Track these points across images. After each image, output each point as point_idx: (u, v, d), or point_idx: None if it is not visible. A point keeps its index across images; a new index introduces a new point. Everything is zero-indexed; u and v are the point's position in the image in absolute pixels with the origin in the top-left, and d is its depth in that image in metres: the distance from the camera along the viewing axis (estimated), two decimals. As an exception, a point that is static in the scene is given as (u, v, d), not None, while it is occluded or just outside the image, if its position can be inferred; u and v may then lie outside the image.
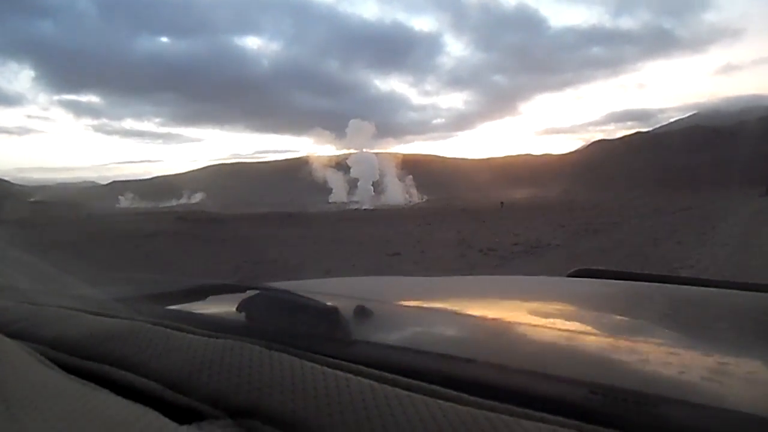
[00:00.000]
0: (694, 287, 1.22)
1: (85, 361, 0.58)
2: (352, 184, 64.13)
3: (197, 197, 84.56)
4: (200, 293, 1.07)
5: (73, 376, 0.52)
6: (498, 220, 19.47)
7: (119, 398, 0.47)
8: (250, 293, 0.81)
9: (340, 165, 67.69)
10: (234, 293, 0.91)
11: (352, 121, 67.12)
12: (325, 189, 67.23)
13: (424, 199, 61.47)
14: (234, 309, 0.76)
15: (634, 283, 1.29)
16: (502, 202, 30.58)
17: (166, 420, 0.42)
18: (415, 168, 79.62)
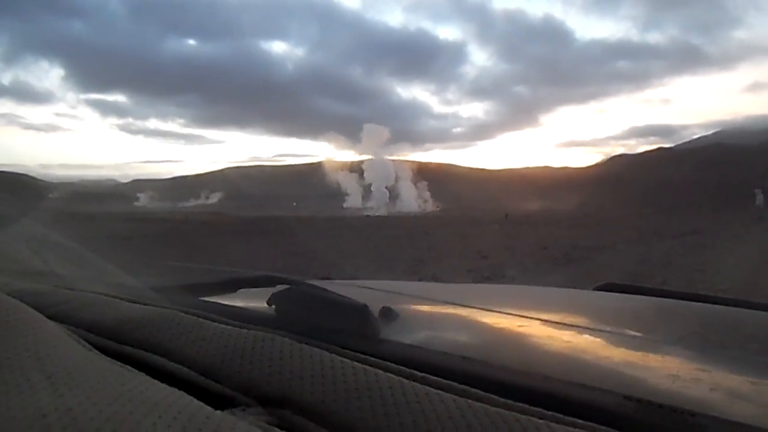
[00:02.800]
0: (725, 307, 1.18)
1: (121, 345, 0.60)
2: (368, 190, 64.23)
3: (215, 198, 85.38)
4: (232, 285, 1.10)
5: (108, 358, 0.53)
6: (484, 236, 18.82)
7: (156, 381, 0.48)
8: (280, 287, 0.82)
9: (357, 170, 67.79)
10: (265, 287, 0.94)
11: (366, 125, 67.10)
12: (341, 194, 67.46)
13: (438, 208, 61.28)
14: (265, 302, 0.78)
15: (663, 299, 1.26)
16: (506, 215, 30.27)
17: (201, 404, 0.42)
18: (432, 176, 79.51)
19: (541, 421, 0.42)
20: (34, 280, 0.99)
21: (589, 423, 0.43)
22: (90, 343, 0.57)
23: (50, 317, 0.60)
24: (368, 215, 43.30)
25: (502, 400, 0.47)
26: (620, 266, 10.74)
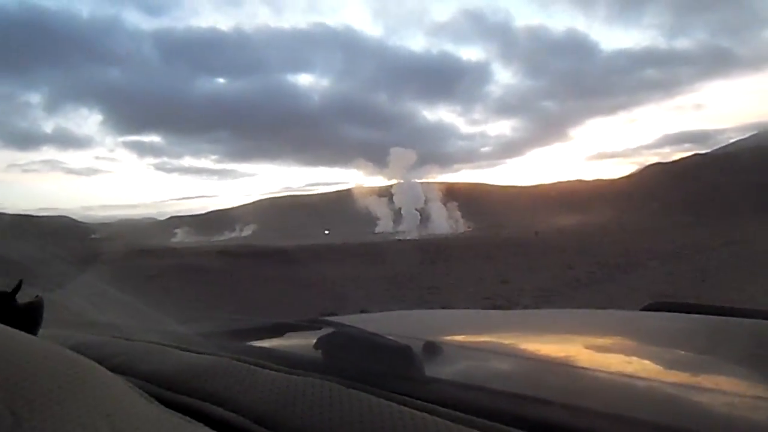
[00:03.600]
0: None
1: (179, 396, 0.62)
2: (399, 214, 64.30)
3: (249, 230, 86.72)
4: (278, 330, 1.12)
5: (168, 409, 0.55)
6: (509, 257, 18.27)
7: (213, 431, 0.50)
8: (325, 330, 0.84)
9: (387, 195, 68.00)
10: (310, 330, 0.95)
11: (393, 149, 67.06)
12: (372, 219, 67.68)
13: (470, 228, 60.84)
14: (311, 346, 0.80)
15: (715, 317, 1.23)
16: (536, 232, 29.84)
17: None
18: (463, 196, 79.09)
19: None
20: (93, 331, 1.03)
21: None
22: (149, 394, 0.59)
23: (111, 369, 0.62)
24: (399, 239, 43.33)
25: None
26: (647, 286, 10.14)
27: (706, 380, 0.77)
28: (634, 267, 13.56)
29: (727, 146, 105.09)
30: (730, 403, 0.65)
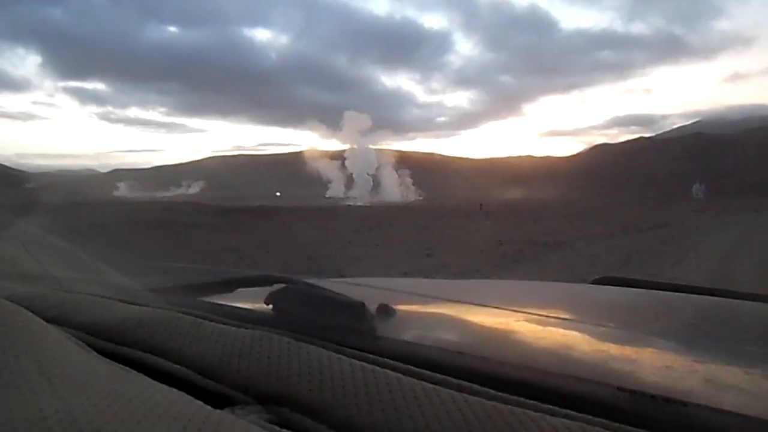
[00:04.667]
0: (721, 298, 1.19)
1: (119, 347, 0.61)
2: (351, 179, 64.08)
3: (196, 187, 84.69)
4: (230, 285, 1.10)
5: (107, 360, 0.54)
6: (445, 229, 18.40)
7: (154, 382, 0.48)
8: (277, 286, 0.82)
9: (340, 159, 67.54)
10: (262, 286, 0.93)
11: (347, 113, 65.94)
12: (324, 183, 67.25)
13: (421, 197, 61.38)
14: (262, 301, 0.78)
15: (660, 292, 1.27)
16: (480, 205, 30.34)
17: (201, 404, 0.43)
18: (416, 165, 79.61)
19: (536, 413, 0.42)
20: (31, 283, 1.00)
21: (583, 415, 0.44)
22: (88, 345, 0.58)
23: (48, 320, 0.61)
24: (349, 205, 43.24)
25: (498, 393, 0.48)
26: (569, 268, 10.03)
27: (645, 349, 0.80)
28: (561, 246, 13.59)
29: (671, 131, 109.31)
30: (669, 367, 0.67)
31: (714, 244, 11.87)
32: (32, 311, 0.59)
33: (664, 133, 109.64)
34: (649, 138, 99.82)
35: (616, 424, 0.43)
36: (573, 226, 18.91)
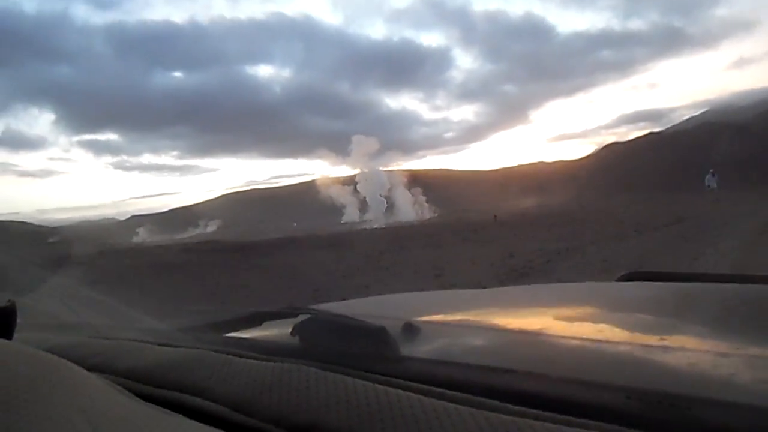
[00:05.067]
0: (751, 285, 1.20)
1: (156, 389, 0.63)
2: (365, 203, 64.13)
3: (213, 225, 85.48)
4: (255, 320, 1.13)
5: (148, 403, 0.57)
6: (455, 246, 18.18)
7: (193, 422, 0.51)
8: (301, 317, 0.86)
9: (352, 184, 67.64)
10: (287, 318, 0.96)
11: (354, 137, 65.46)
12: (339, 209, 67.41)
13: (436, 213, 61.20)
14: (288, 333, 0.82)
15: (687, 284, 1.29)
16: (495, 216, 30.19)
17: None
18: (428, 182, 79.35)
19: (553, 425, 0.44)
20: (70, 332, 1.04)
21: (599, 423, 0.45)
22: (128, 390, 0.60)
23: (89, 368, 0.63)
24: (365, 228, 43.41)
25: (518, 408, 0.49)
26: (578, 277, 9.91)
27: (674, 342, 0.81)
28: (572, 253, 13.33)
29: (680, 123, 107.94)
30: (696, 363, 0.69)
31: (733, 237, 11.50)
32: (74, 361, 0.61)
33: (674, 126, 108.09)
34: (658, 132, 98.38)
35: (629, 430, 0.44)
36: (586, 230, 18.57)
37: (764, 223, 13.67)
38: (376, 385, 0.54)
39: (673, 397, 0.50)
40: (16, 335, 0.69)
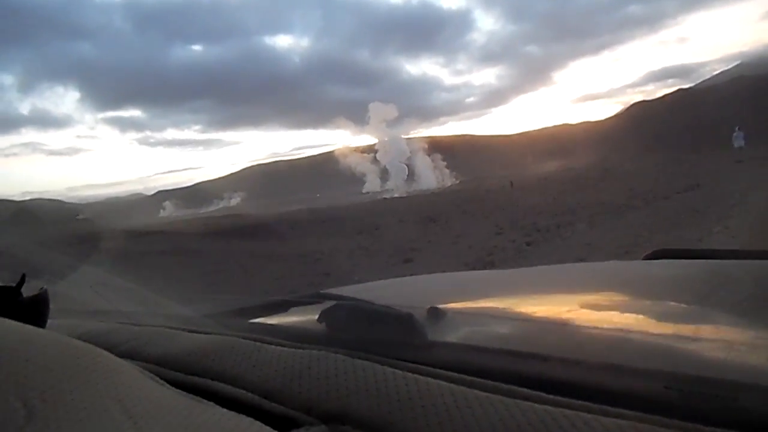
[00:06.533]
0: None
1: (188, 377, 0.64)
2: (386, 171, 63.79)
3: (237, 198, 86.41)
4: (281, 307, 1.14)
5: (180, 391, 0.57)
6: (451, 220, 17.65)
7: (224, 410, 0.51)
8: (327, 304, 0.86)
9: (372, 152, 67.19)
10: (312, 305, 0.97)
11: (371, 105, 63.54)
12: (359, 179, 67.31)
13: (458, 180, 60.65)
14: (314, 320, 0.82)
15: (717, 261, 1.26)
16: (511, 182, 29.60)
17: (268, 428, 0.45)
18: (449, 149, 78.61)
19: (589, 415, 0.42)
20: (101, 318, 1.05)
21: (636, 413, 0.44)
22: (160, 377, 0.61)
23: (121, 355, 0.64)
24: (385, 198, 43.29)
25: (550, 396, 0.48)
26: (563, 258, 9.11)
27: (703, 326, 0.80)
28: (561, 230, 12.35)
29: (711, 78, 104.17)
30: (728, 346, 0.68)
31: (749, 211, 10.23)
32: (106, 347, 0.62)
33: (703, 81, 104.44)
34: (687, 89, 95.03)
35: (669, 420, 0.42)
36: (590, 199, 17.46)
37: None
38: (406, 373, 0.54)
39: (714, 384, 0.49)
40: (48, 323, 0.70)
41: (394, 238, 15.77)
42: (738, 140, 27.28)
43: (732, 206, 11.09)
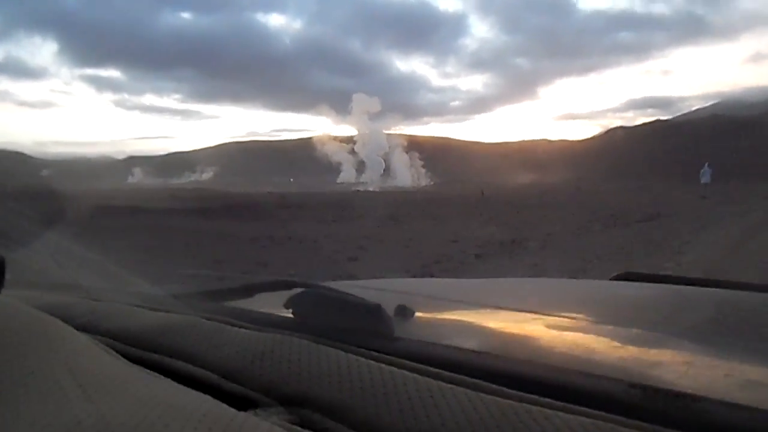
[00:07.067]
0: (745, 292, 1.19)
1: (147, 353, 0.62)
2: (363, 164, 63.66)
3: (209, 173, 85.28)
4: (250, 290, 1.12)
5: (136, 366, 0.56)
6: (412, 222, 18.00)
7: (182, 386, 0.50)
8: (296, 290, 0.84)
9: (351, 143, 66.97)
10: (282, 290, 0.94)
11: (355, 95, 63.67)
12: (335, 168, 67.05)
13: (432, 182, 60.97)
14: (282, 306, 0.80)
15: (681, 287, 1.27)
16: (482, 192, 29.97)
17: (226, 406, 0.44)
18: (428, 150, 78.99)
19: (551, 411, 0.43)
20: (60, 292, 1.04)
21: (598, 411, 0.44)
22: (117, 352, 0.60)
23: (78, 328, 0.63)
24: (357, 190, 43.22)
25: (514, 392, 0.48)
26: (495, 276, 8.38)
27: (664, 346, 0.81)
28: (512, 248, 12.46)
29: (688, 113, 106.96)
30: (688, 362, 0.69)
31: (705, 244, 10.22)
32: (63, 320, 0.61)
33: (682, 115, 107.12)
34: (665, 120, 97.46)
35: (630, 421, 0.43)
36: (554, 218, 17.79)
37: (749, 227, 11.76)
38: (369, 361, 0.54)
39: (674, 393, 0.49)
40: (4, 291, 0.69)
41: (349, 233, 15.72)
42: (705, 176, 27.96)
43: (687, 243, 10.95)
